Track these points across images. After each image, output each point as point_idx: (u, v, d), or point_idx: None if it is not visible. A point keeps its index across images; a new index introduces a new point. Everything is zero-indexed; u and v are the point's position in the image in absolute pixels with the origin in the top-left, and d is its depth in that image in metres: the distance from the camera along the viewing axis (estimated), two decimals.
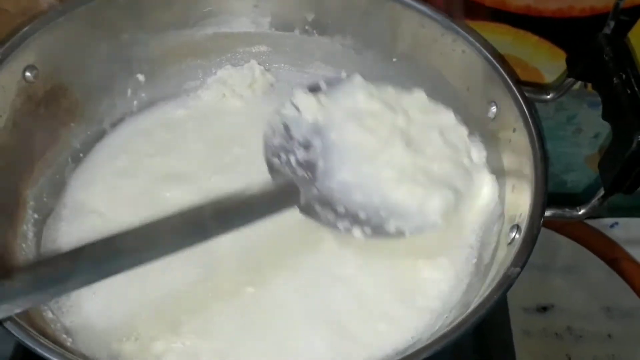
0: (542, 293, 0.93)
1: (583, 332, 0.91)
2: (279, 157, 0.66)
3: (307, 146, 0.67)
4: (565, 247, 0.96)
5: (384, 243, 0.64)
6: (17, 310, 0.50)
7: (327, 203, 0.63)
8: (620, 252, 0.95)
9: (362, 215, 0.63)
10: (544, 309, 0.93)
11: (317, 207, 0.62)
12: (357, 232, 0.62)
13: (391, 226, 0.62)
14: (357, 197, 0.63)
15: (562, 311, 0.92)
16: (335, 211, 0.63)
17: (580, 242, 0.96)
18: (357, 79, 0.72)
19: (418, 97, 0.71)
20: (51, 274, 0.51)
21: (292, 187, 0.62)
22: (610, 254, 0.95)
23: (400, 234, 0.62)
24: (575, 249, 0.96)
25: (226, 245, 0.60)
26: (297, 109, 0.70)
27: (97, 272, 0.52)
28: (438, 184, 0.65)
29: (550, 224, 0.94)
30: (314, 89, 0.71)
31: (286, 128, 0.68)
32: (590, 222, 0.98)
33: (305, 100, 0.69)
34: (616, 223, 0.99)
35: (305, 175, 0.65)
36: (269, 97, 0.80)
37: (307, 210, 0.62)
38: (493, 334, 0.73)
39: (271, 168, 0.65)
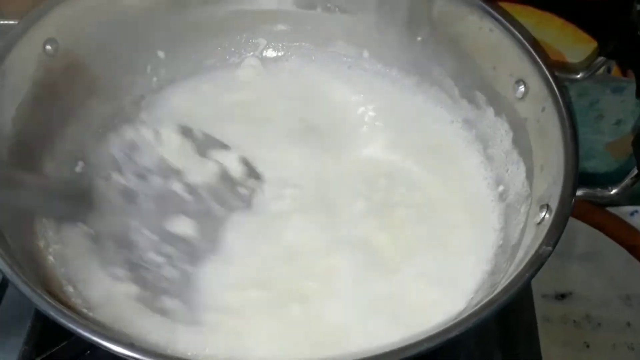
0: (561, 280, 0.92)
1: (602, 320, 0.90)
2: (103, 170, 0.65)
3: (141, 176, 0.65)
4: (585, 234, 0.95)
5: None
6: None
7: (118, 243, 0.62)
8: None
9: (146, 276, 0.61)
10: (562, 296, 0.92)
11: (105, 241, 0.62)
12: (128, 285, 0.60)
13: (162, 304, 0.60)
14: (159, 258, 0.61)
15: (581, 299, 0.91)
16: (121, 255, 0.61)
17: (600, 229, 0.95)
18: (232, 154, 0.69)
19: None
20: None
21: (86, 197, 0.62)
22: (631, 240, 0.94)
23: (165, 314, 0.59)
24: (595, 235, 0.95)
25: None
26: (159, 138, 0.68)
27: None
28: None
29: None
30: (187, 132, 0.69)
31: (133, 148, 0.66)
32: (611, 209, 0.97)
33: (172, 137, 0.68)
34: (636, 211, 0.98)
35: (116, 200, 0.63)
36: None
37: (94, 239, 0.61)
38: (517, 317, 0.72)
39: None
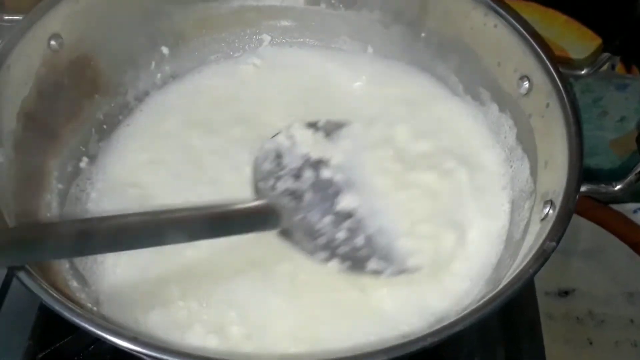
0: (564, 277, 0.93)
1: (605, 317, 0.90)
2: (265, 181, 0.67)
3: (296, 176, 0.68)
4: (588, 231, 0.95)
5: None
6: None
7: (308, 233, 0.64)
8: None
9: (342, 250, 0.63)
10: (565, 293, 0.92)
11: (297, 235, 0.63)
12: (333, 264, 0.62)
13: (369, 267, 0.62)
14: (341, 234, 0.64)
15: (584, 296, 0.92)
16: (314, 241, 0.63)
17: (603, 226, 0.95)
18: (357, 127, 0.72)
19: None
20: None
21: (274, 211, 0.63)
22: (633, 238, 0.94)
23: (376, 274, 0.62)
24: (598, 232, 0.95)
25: None
26: (293, 140, 0.70)
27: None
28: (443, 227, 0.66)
29: None
30: (312, 125, 0.71)
31: (278, 156, 0.69)
32: (614, 206, 0.97)
33: (301, 133, 0.70)
34: (639, 209, 0.98)
35: (290, 202, 0.65)
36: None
37: (286, 235, 0.63)
38: (520, 314, 0.72)
39: (257, 191, 0.66)
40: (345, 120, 0.72)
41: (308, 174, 0.67)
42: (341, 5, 0.77)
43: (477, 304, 0.50)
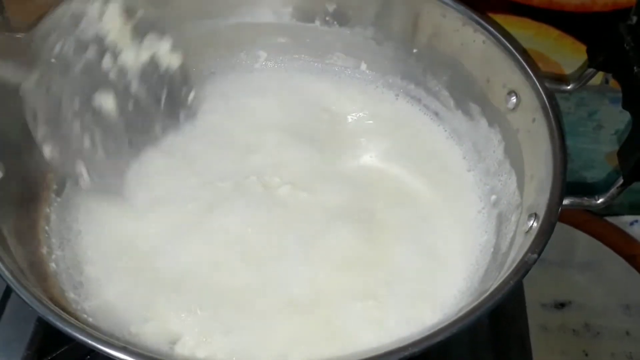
0: (560, 289, 0.93)
1: (601, 328, 0.90)
2: (46, 34, 0.63)
3: (78, 47, 0.64)
4: (584, 244, 0.95)
5: None
6: None
7: (46, 108, 0.62)
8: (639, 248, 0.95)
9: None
10: (562, 305, 0.92)
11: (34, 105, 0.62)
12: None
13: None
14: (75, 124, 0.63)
15: (580, 307, 0.92)
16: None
17: (599, 239, 0.95)
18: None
19: None
20: None
21: (24, 54, 0.61)
22: (629, 250, 0.94)
23: None
24: (594, 245, 0.95)
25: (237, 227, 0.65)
26: (102, 16, 0.65)
27: None
28: None
29: (569, 220, 0.94)
30: (130, 13, 0.67)
31: (76, 19, 0.64)
32: (610, 219, 0.98)
33: (115, 17, 0.66)
34: (636, 221, 0.98)
35: (54, 65, 0.62)
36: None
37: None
38: (510, 327, 0.72)
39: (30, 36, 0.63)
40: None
41: (90, 52, 0.64)
42: (335, 23, 0.78)
43: (458, 315, 0.51)
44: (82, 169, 0.65)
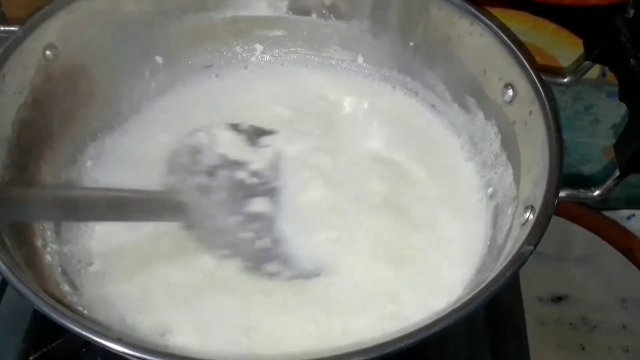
0: (557, 283, 0.93)
1: (597, 322, 0.90)
2: (176, 174, 0.70)
3: (209, 174, 0.70)
4: (581, 237, 0.95)
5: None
6: None
7: (213, 230, 0.66)
8: (636, 242, 0.95)
9: (245, 249, 0.66)
10: (558, 299, 0.92)
11: (202, 231, 0.66)
12: (235, 261, 0.65)
13: (267, 269, 0.65)
14: (247, 234, 0.67)
15: (576, 301, 0.92)
16: (219, 238, 0.66)
17: (596, 232, 0.95)
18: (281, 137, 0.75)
19: None
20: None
21: (178, 203, 0.66)
22: (626, 244, 0.95)
23: (272, 275, 0.65)
24: (591, 239, 0.95)
25: None
26: (213, 139, 0.73)
27: None
28: None
29: (566, 213, 0.94)
30: (234, 127, 0.74)
31: (195, 151, 0.72)
32: (607, 213, 0.98)
33: (223, 134, 0.73)
34: (633, 215, 0.98)
35: (199, 198, 0.68)
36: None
37: (192, 229, 0.65)
38: (506, 320, 0.72)
39: (164, 183, 0.69)
40: (271, 128, 0.75)
41: (222, 173, 0.70)
42: (332, 16, 0.78)
43: (453, 307, 0.51)
44: None
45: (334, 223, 0.68)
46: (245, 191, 0.70)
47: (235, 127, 0.75)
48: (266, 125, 0.76)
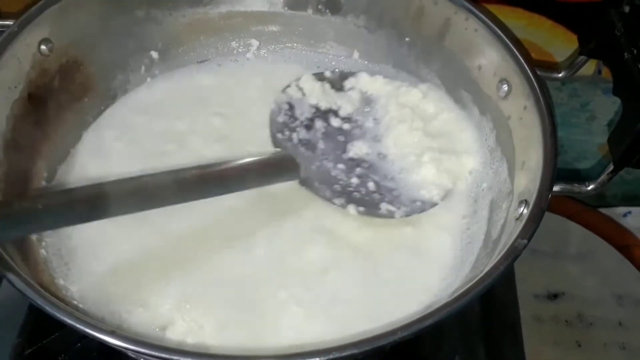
0: (553, 280, 0.93)
1: (594, 319, 0.90)
2: (282, 133, 0.72)
3: (308, 127, 0.73)
4: (577, 235, 0.96)
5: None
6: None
7: (325, 181, 0.68)
8: (632, 239, 0.95)
9: (356, 195, 0.67)
10: (555, 295, 0.92)
11: (316, 183, 0.68)
12: (352, 209, 0.66)
13: (383, 209, 0.67)
14: (353, 179, 0.69)
15: (573, 298, 0.92)
16: (332, 188, 0.68)
17: (592, 230, 0.96)
18: (363, 75, 0.77)
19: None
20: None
21: (292, 161, 0.67)
22: (622, 241, 0.95)
23: (390, 215, 0.66)
24: (587, 236, 0.95)
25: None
26: (302, 91, 0.75)
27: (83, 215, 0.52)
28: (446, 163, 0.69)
29: (562, 211, 0.94)
30: (319, 75, 0.77)
31: (291, 107, 0.75)
32: (604, 210, 0.98)
33: (310, 85, 0.75)
34: (629, 212, 0.99)
35: (305, 152, 0.70)
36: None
37: (307, 184, 0.67)
38: (501, 316, 0.73)
39: (275, 142, 0.72)
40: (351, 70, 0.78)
41: (319, 124, 0.73)
42: (327, 11, 0.78)
43: (447, 300, 0.51)
44: None
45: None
46: (345, 137, 0.72)
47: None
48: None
